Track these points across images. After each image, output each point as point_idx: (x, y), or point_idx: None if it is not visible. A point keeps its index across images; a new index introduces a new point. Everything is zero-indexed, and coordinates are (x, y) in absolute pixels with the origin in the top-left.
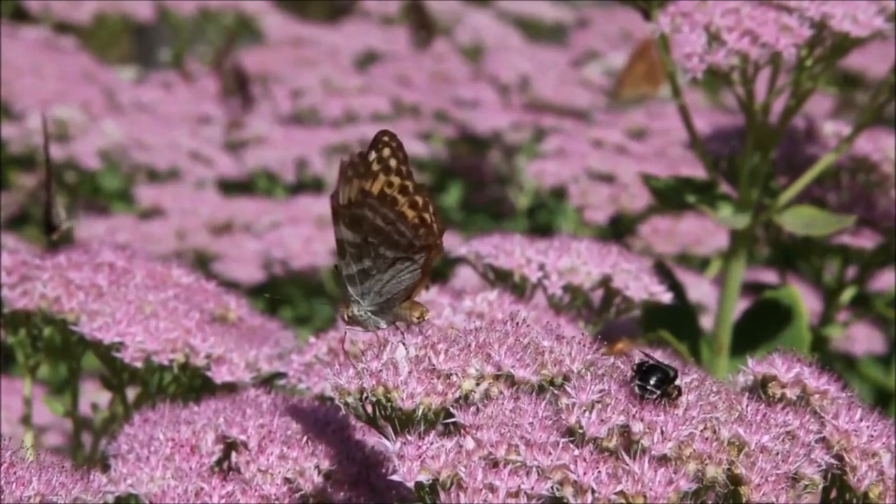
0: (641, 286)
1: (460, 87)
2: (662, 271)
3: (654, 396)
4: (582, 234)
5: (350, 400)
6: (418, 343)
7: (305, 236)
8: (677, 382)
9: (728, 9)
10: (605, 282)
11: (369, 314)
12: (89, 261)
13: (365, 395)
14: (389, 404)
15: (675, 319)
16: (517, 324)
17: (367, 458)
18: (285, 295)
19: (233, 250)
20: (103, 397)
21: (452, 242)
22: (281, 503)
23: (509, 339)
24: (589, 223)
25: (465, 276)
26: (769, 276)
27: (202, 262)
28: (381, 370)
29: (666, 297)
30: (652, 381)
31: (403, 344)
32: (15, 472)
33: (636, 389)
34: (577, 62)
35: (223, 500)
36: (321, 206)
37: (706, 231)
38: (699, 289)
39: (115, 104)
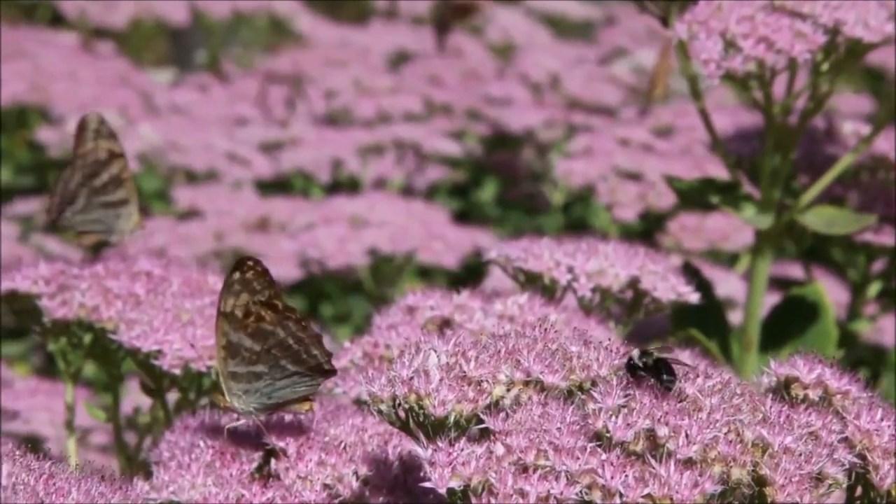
0: (669, 287)
1: (491, 86)
2: (690, 271)
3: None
4: (613, 230)
5: (383, 407)
6: (449, 350)
7: (340, 236)
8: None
9: (743, 16)
10: (634, 283)
11: (252, 410)
12: (126, 269)
13: (398, 402)
14: (422, 411)
15: (704, 317)
16: (545, 330)
17: (404, 462)
18: (323, 292)
19: (270, 250)
20: (145, 399)
21: (486, 241)
22: None
23: (538, 345)
24: (618, 221)
25: (499, 276)
26: (796, 271)
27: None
28: (412, 378)
29: (693, 298)
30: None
31: (434, 351)
32: (54, 483)
33: (666, 387)
34: (604, 59)
35: None
36: (355, 206)
37: (733, 227)
38: (728, 284)
39: (151, 107)
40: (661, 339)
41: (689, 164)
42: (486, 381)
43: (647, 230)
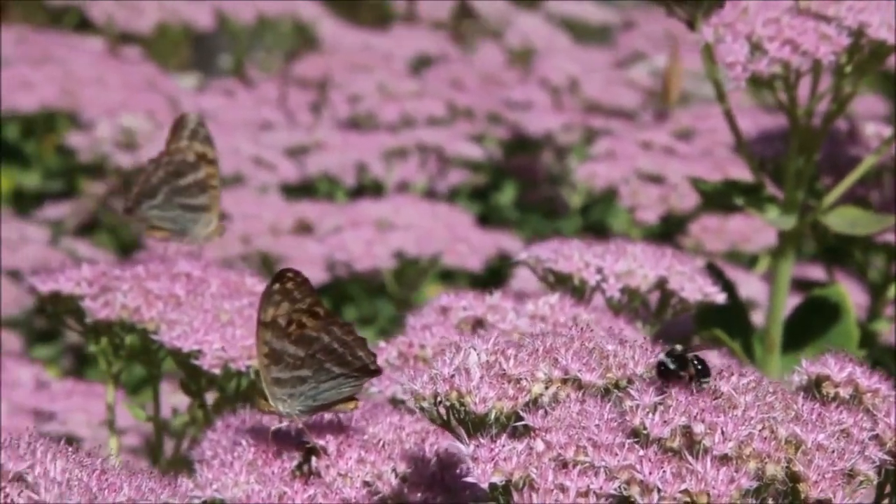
0: (696, 287)
1: (511, 89)
2: (714, 272)
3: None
4: (633, 232)
5: (425, 405)
6: (489, 349)
7: (367, 239)
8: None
9: (769, 19)
10: (661, 284)
11: (297, 413)
12: (166, 271)
13: (439, 399)
14: (463, 408)
15: (728, 318)
16: (582, 329)
17: (441, 459)
18: (348, 295)
19: (296, 253)
20: (178, 399)
21: (510, 243)
22: None
23: (575, 344)
24: (640, 223)
25: (523, 276)
26: (815, 272)
27: (266, 265)
28: (453, 375)
29: (720, 298)
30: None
31: (475, 350)
32: (107, 479)
33: (700, 384)
34: (621, 63)
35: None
36: (380, 209)
37: (754, 229)
38: (749, 286)
39: (178, 111)
40: (684, 340)
41: (711, 167)
42: (526, 379)
43: (667, 232)
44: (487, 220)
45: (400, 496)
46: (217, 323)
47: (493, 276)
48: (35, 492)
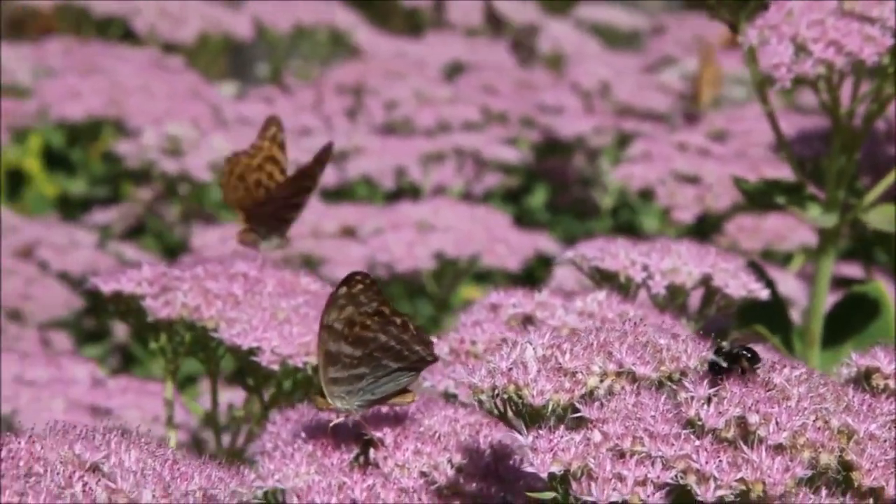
0: (740, 284)
1: (544, 94)
2: (755, 269)
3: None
4: (669, 232)
5: (483, 397)
6: (545, 343)
7: (408, 241)
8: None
9: (813, 20)
10: (706, 281)
11: (355, 408)
12: (224, 271)
13: (497, 392)
14: (520, 401)
15: (768, 314)
16: (635, 324)
17: (495, 451)
18: (389, 296)
19: (339, 255)
20: (228, 395)
21: (546, 244)
22: (418, 495)
23: (628, 339)
24: (677, 223)
25: (560, 276)
26: (849, 269)
27: (309, 267)
28: (511, 369)
29: (764, 294)
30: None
31: (531, 344)
32: (179, 468)
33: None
34: (651, 67)
35: (364, 493)
36: (420, 211)
37: (789, 228)
38: (785, 283)
39: (220, 119)
40: (723, 334)
41: (746, 167)
42: (581, 372)
43: (701, 232)
44: (519, 221)
45: (456, 486)
46: (274, 321)
47: (529, 277)
48: (111, 480)
